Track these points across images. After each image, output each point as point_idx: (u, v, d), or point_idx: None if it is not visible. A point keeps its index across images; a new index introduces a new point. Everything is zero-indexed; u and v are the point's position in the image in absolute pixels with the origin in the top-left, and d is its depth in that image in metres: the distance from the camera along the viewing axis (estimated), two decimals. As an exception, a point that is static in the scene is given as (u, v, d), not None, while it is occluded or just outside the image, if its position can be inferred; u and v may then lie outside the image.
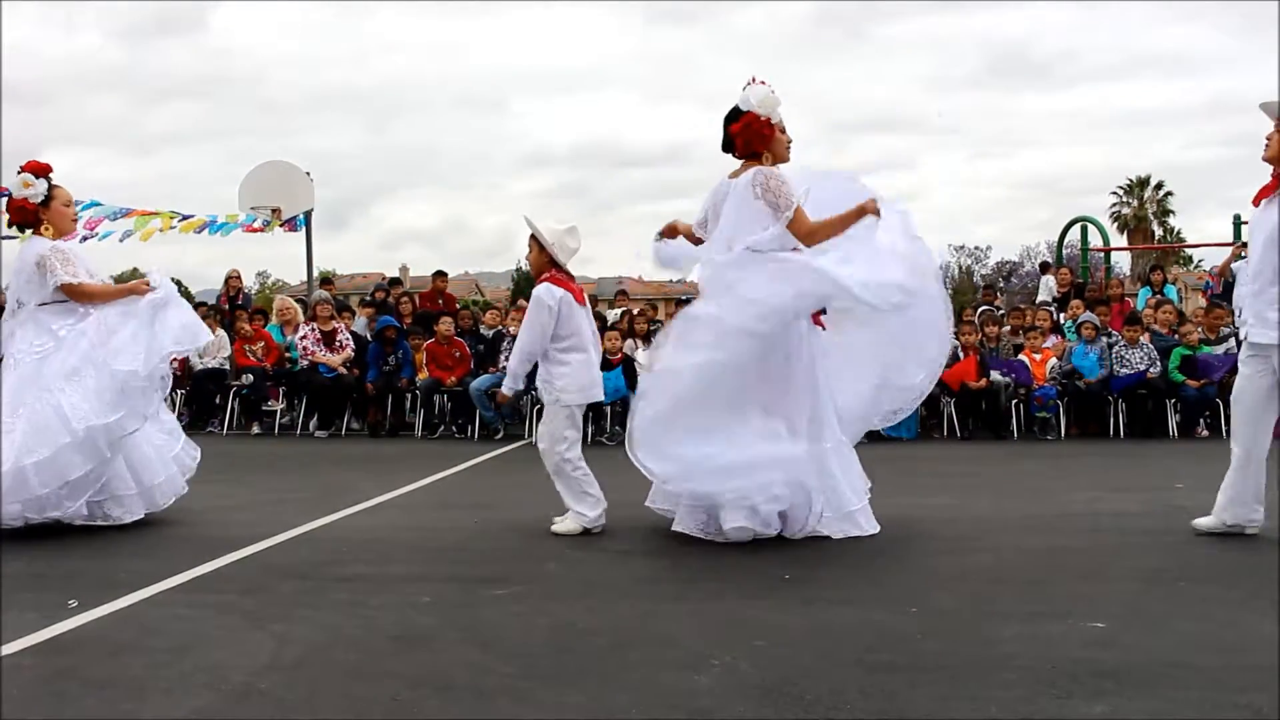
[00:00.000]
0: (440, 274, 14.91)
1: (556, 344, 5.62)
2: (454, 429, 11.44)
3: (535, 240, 5.72)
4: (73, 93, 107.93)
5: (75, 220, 6.32)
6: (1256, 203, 5.19)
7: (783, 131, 5.47)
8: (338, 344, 11.72)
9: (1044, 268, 19.24)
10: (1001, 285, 38.34)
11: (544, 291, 5.61)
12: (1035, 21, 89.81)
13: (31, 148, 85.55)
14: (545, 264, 5.71)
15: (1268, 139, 5.14)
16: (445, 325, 11.56)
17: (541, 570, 4.81)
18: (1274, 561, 4.76)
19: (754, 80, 5.43)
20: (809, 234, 5.34)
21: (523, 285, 49.59)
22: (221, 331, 12.10)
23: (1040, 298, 15.41)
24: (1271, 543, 5.20)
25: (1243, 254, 13.47)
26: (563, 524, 5.72)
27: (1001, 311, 13.44)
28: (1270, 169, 5.12)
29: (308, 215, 14.92)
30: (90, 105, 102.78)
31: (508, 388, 5.79)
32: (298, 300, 13.35)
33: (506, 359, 11.20)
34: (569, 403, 5.64)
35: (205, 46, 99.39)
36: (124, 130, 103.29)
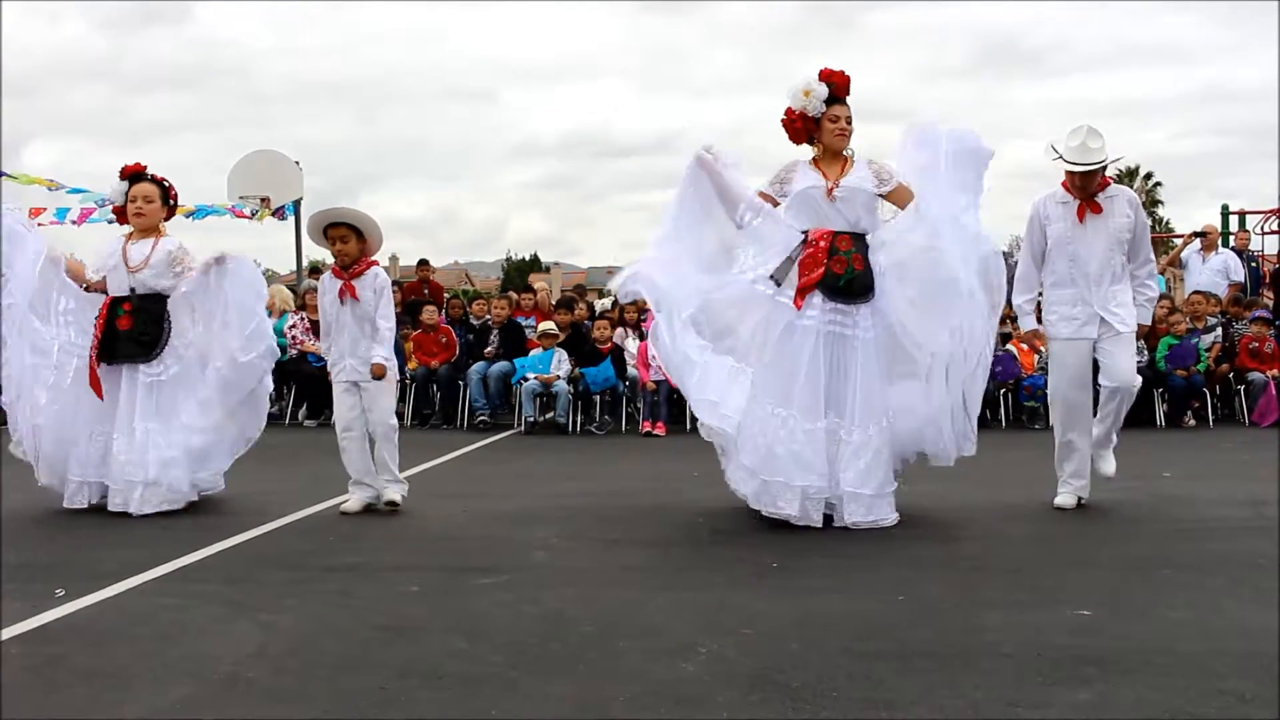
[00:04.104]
0: (424, 263, 14.84)
1: (388, 324, 6.07)
2: (442, 419, 11.41)
3: (355, 231, 5.99)
4: (57, 83, 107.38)
5: None
6: None
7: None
8: (327, 333, 11.69)
9: None
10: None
11: (389, 279, 6.22)
12: (1026, 11, 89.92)
13: (17, 139, 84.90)
14: (358, 254, 6.04)
15: None
16: (428, 314, 11.58)
17: (529, 559, 4.81)
18: (1255, 550, 4.79)
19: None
20: None
21: (513, 275, 49.45)
22: None
23: None
24: (1253, 531, 5.24)
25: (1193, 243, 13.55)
26: (397, 491, 6.10)
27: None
28: None
29: (297, 205, 14.85)
30: (75, 96, 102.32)
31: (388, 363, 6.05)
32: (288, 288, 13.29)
33: (494, 349, 11.30)
34: (395, 378, 6.25)
35: (191, 37, 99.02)
36: (110, 121, 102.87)
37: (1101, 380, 5.95)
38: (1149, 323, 6.22)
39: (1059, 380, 6.04)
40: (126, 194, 6.17)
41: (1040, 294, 6.23)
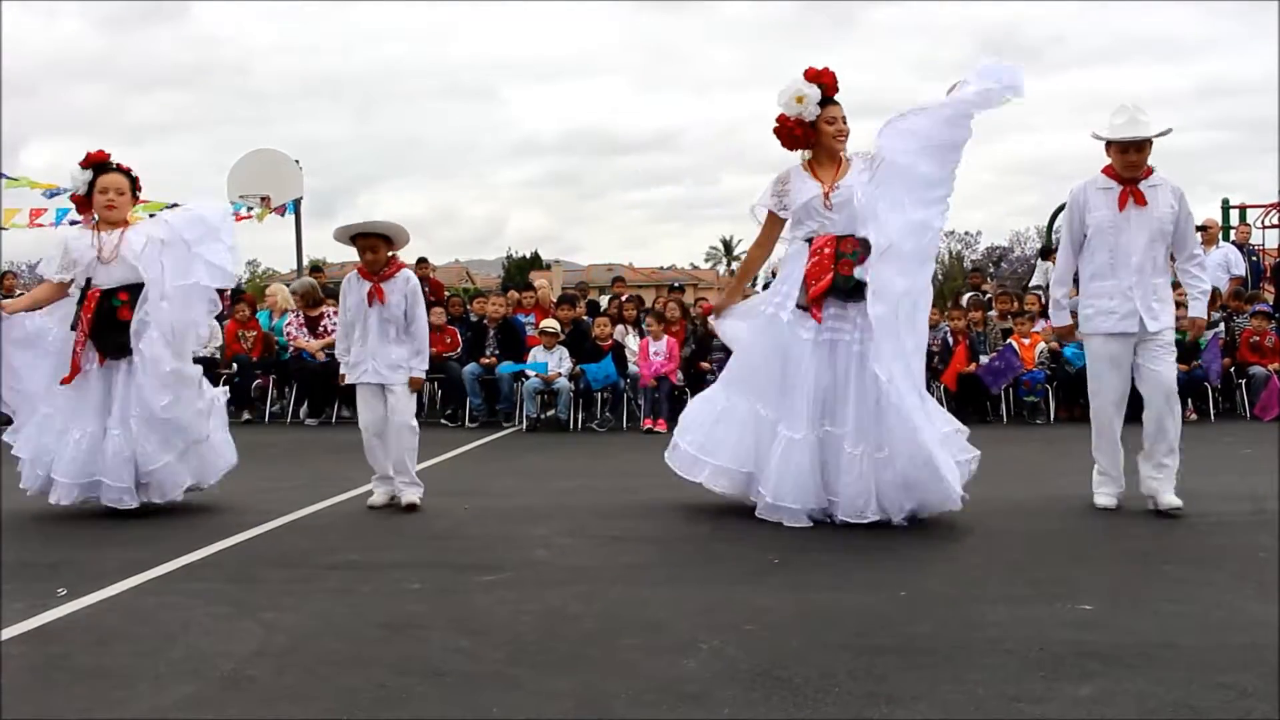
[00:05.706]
0: (423, 261, 14.86)
1: (422, 336, 6.13)
2: (443, 417, 11.41)
3: (385, 241, 6.05)
4: (55, 82, 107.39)
5: None
6: None
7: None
8: (321, 330, 11.70)
9: (1044, 253, 19.25)
10: (991, 270, 38.31)
11: (418, 282, 6.26)
12: (1025, 7, 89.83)
13: (15, 138, 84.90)
14: (387, 259, 6.08)
15: None
16: (435, 315, 11.56)
17: (531, 557, 4.80)
18: (1257, 544, 4.79)
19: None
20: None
21: (513, 273, 49.48)
22: (214, 321, 12.02)
23: (1035, 281, 15.42)
24: (1254, 525, 5.24)
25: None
26: (416, 494, 6.04)
27: (989, 296, 13.45)
28: None
29: (296, 204, 14.86)
30: (73, 95, 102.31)
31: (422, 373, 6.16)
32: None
33: (493, 350, 11.29)
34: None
35: (189, 35, 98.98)
36: (108, 119, 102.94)
37: (1141, 389, 5.66)
38: (1205, 315, 5.92)
39: (1096, 379, 5.76)
40: (92, 184, 5.87)
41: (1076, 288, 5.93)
